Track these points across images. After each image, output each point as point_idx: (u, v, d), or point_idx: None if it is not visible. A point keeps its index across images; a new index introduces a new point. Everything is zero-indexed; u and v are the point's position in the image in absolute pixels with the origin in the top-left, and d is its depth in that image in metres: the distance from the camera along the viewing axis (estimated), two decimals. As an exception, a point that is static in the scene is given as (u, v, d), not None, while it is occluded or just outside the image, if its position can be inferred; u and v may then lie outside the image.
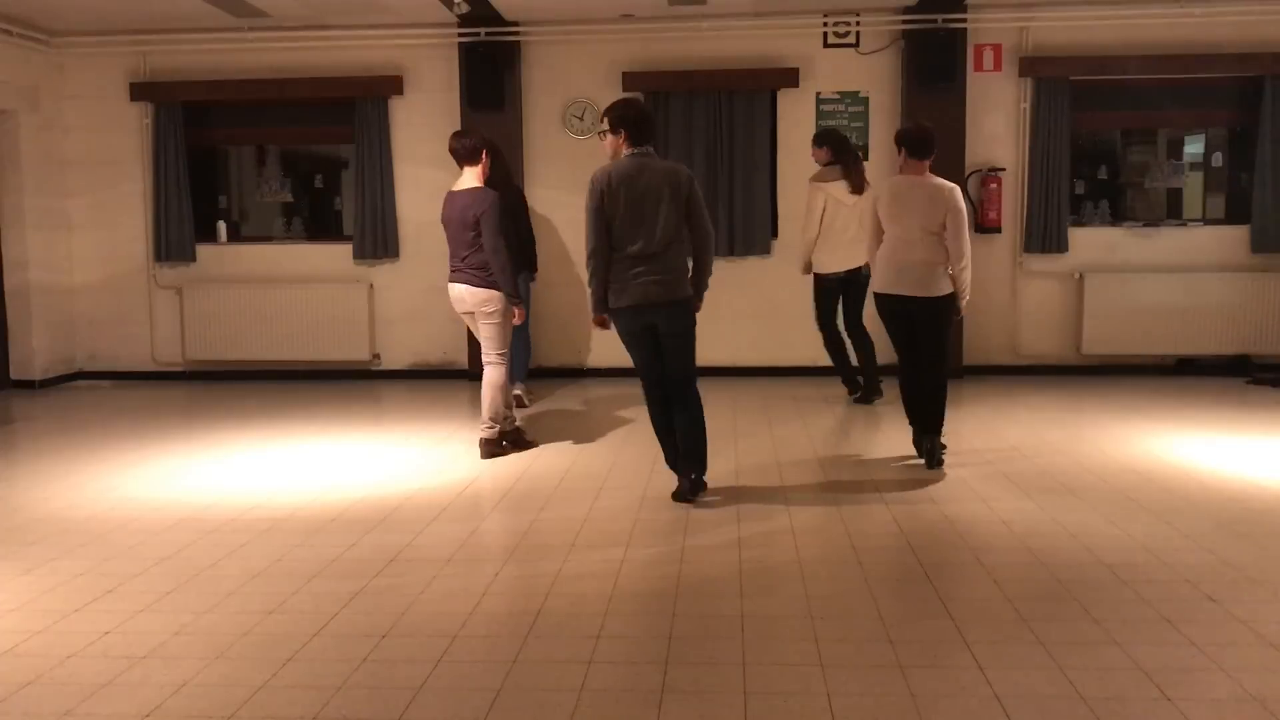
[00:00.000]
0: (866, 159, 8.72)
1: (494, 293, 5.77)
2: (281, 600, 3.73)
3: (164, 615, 3.60)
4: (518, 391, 7.48)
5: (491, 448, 5.99)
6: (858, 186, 7.25)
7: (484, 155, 5.87)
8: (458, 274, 5.83)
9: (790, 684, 2.99)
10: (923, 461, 5.59)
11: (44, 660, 3.23)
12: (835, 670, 3.07)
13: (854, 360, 7.60)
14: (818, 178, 7.36)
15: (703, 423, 4.95)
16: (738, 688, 2.97)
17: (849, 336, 7.54)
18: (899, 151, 5.60)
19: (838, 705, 2.85)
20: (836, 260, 7.35)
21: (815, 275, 7.49)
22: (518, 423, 6.32)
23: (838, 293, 7.48)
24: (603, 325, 4.97)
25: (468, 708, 2.88)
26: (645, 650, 3.25)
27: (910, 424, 5.72)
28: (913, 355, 5.62)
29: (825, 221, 7.29)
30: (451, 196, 5.85)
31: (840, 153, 7.33)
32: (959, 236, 5.38)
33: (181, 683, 3.06)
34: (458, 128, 8.70)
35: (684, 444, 4.95)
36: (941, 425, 5.60)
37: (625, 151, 4.81)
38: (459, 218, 5.75)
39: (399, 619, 3.54)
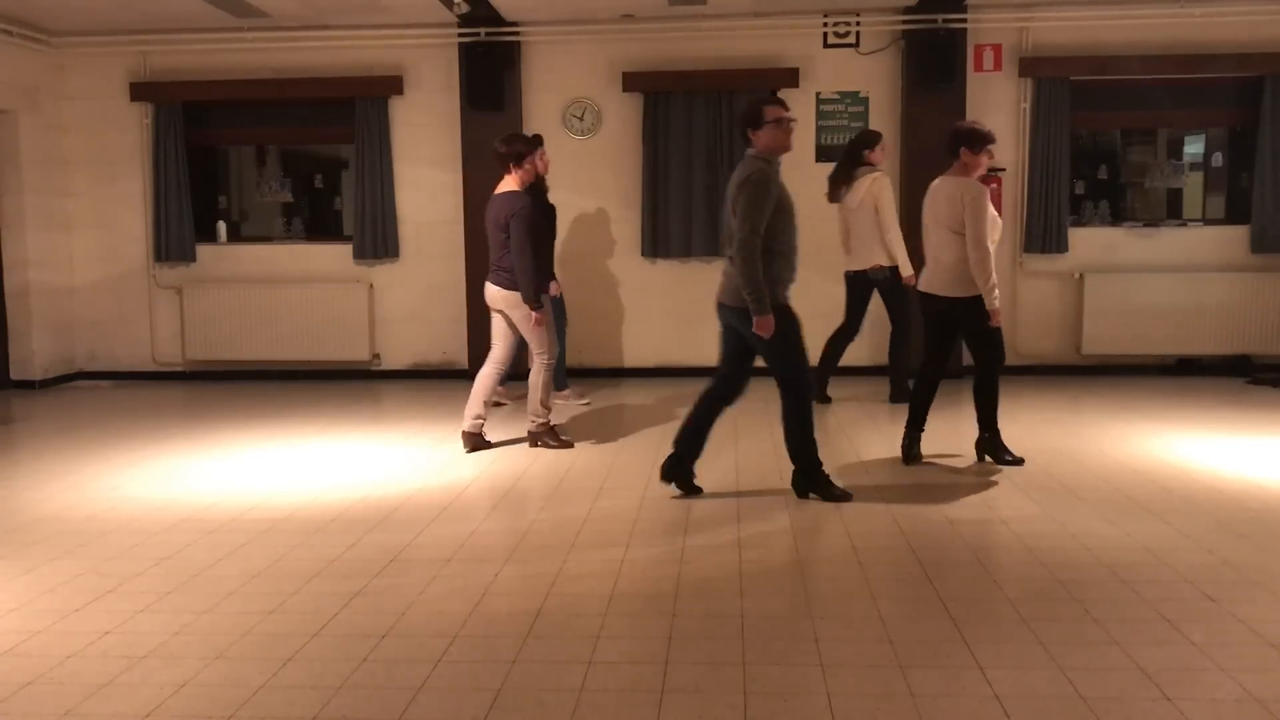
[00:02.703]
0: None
1: (517, 294, 5.96)
2: (281, 600, 3.73)
3: (164, 615, 3.60)
4: (499, 400, 7.60)
5: (475, 441, 6.15)
6: (832, 192, 7.36)
7: (524, 162, 6.05)
8: (491, 274, 6.07)
9: (790, 684, 2.99)
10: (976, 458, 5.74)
11: (44, 660, 3.22)
12: (835, 670, 3.07)
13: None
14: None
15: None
16: (738, 688, 2.97)
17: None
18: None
19: (838, 705, 2.85)
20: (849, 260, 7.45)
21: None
22: (484, 425, 6.28)
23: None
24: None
25: (468, 708, 2.88)
26: (645, 650, 3.24)
27: (914, 424, 5.72)
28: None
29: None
30: (490, 199, 6.08)
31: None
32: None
33: (181, 683, 3.06)
34: (457, 127, 8.74)
35: None
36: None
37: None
38: (493, 219, 6.00)
39: (399, 619, 3.54)
